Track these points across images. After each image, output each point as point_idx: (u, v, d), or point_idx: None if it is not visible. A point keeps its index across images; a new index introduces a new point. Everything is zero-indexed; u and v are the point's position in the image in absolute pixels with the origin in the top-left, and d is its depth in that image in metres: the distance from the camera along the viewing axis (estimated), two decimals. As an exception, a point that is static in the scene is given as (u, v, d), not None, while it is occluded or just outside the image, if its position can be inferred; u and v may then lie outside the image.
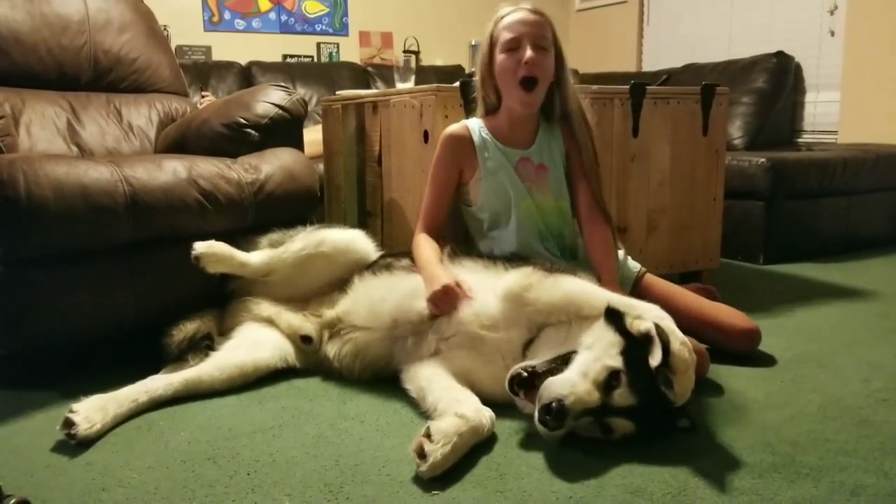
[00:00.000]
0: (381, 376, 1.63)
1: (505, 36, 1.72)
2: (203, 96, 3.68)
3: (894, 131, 3.48)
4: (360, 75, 4.44)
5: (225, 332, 1.78)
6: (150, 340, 1.70)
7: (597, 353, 1.30)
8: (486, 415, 1.33)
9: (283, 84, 2.32)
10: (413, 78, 2.58)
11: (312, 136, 3.04)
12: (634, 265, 1.95)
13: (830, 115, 3.85)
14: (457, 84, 1.98)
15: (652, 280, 1.91)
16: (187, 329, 1.72)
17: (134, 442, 1.35)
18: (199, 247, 1.70)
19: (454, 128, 1.83)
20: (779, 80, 3.81)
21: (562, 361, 1.33)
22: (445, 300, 1.53)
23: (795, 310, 2.25)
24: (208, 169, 1.90)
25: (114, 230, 1.70)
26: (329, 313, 1.73)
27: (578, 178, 1.85)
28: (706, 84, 2.35)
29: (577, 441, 1.30)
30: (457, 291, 1.54)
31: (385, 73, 4.47)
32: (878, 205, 3.33)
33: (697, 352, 1.65)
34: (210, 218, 1.86)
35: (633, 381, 1.28)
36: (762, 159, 2.97)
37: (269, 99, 2.21)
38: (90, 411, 1.37)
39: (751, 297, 2.38)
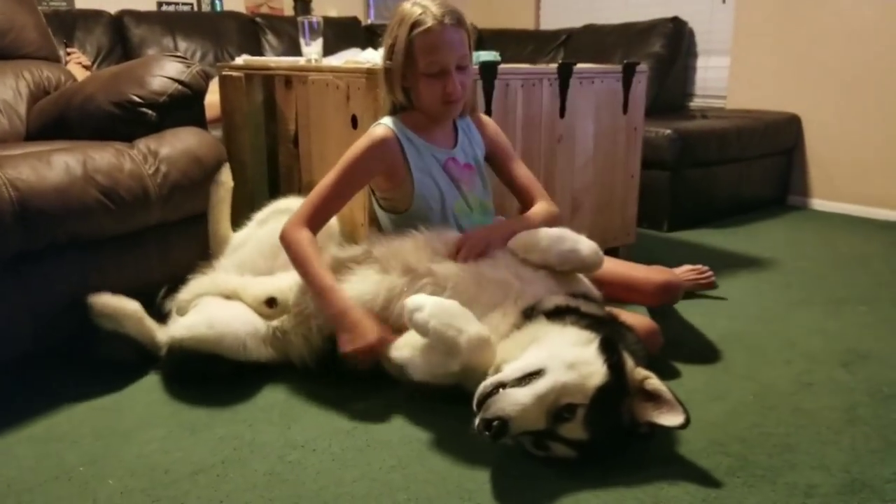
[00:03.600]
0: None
1: (427, 59, 1.56)
2: (69, 53, 3.24)
3: (779, 96, 3.67)
4: (249, 27, 4.07)
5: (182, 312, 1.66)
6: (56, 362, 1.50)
7: (567, 378, 1.21)
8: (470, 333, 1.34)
9: (179, 54, 2.06)
10: (321, 41, 2.39)
11: (208, 97, 2.79)
12: None
13: (720, 80, 3.99)
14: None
15: None
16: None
17: (54, 502, 1.18)
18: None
19: (378, 132, 1.64)
20: (675, 45, 3.88)
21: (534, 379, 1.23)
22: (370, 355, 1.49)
23: (708, 284, 2.35)
24: (105, 160, 1.68)
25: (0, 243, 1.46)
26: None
27: (509, 160, 1.82)
28: (627, 62, 2.34)
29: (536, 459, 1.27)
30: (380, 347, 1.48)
31: (277, 24, 4.14)
32: (764, 169, 3.54)
33: (650, 329, 1.67)
34: (113, 218, 1.65)
35: (591, 418, 1.21)
36: (668, 131, 3.05)
37: (166, 73, 1.97)
38: None
39: (666, 272, 2.45)
